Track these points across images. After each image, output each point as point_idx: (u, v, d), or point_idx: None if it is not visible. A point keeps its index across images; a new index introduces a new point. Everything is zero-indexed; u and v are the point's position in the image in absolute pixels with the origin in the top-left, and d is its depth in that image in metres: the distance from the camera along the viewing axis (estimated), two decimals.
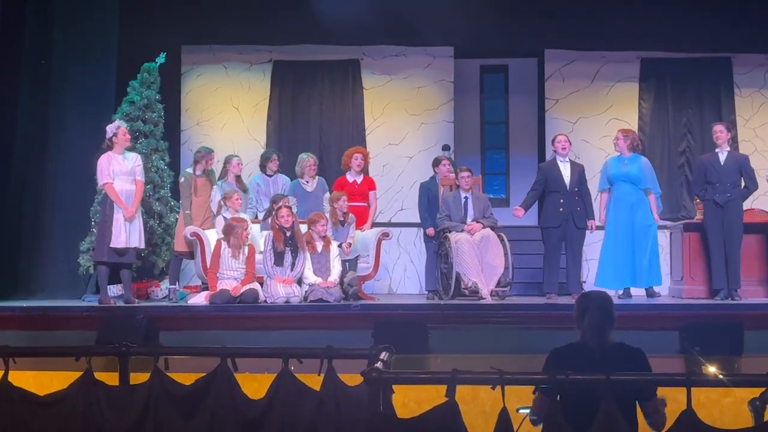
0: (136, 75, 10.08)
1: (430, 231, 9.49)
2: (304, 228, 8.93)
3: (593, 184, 9.33)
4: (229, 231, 8.42)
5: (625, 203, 8.93)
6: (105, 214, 8.48)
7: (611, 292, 9.12)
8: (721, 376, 3.81)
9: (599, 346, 4.13)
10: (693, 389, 3.72)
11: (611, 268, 8.93)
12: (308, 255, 8.63)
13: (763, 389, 4.20)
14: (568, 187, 9.00)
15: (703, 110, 11.63)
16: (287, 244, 8.52)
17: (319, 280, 8.51)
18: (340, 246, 8.95)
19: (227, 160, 9.62)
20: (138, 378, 4.62)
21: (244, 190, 9.51)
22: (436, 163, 9.82)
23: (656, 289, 9.00)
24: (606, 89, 11.76)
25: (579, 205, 9.02)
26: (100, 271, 8.59)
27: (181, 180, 9.22)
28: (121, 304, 8.50)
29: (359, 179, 9.79)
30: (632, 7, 10.71)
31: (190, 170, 9.27)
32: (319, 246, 8.69)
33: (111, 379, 4.61)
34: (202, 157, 9.20)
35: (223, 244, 8.42)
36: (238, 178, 9.58)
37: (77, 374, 4.53)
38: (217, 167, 9.79)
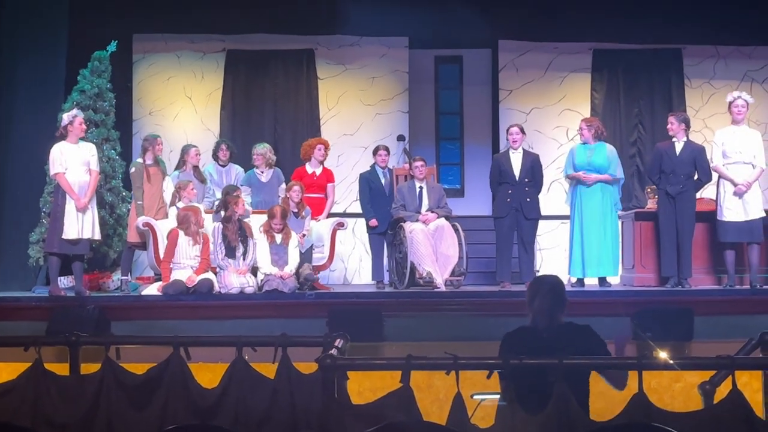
0: (86, 63, 9.93)
1: (373, 222, 9.49)
2: (259, 218, 8.88)
3: (549, 173, 9.38)
4: (184, 219, 8.33)
5: (591, 192, 8.98)
6: (57, 204, 8.35)
7: (571, 279, 9.24)
8: (671, 360, 3.86)
9: (548, 327, 4.17)
10: (645, 374, 3.77)
11: (579, 256, 8.98)
12: (264, 242, 8.56)
13: (713, 373, 4.27)
14: (517, 177, 9.06)
15: (654, 101, 11.77)
16: (238, 235, 8.47)
17: (275, 270, 8.45)
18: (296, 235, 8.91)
19: (185, 150, 9.51)
20: (89, 368, 4.56)
21: (202, 181, 9.43)
22: (375, 151, 9.83)
23: (608, 278, 9.10)
24: (559, 80, 11.85)
25: (530, 195, 9.09)
26: (51, 262, 8.45)
27: (132, 170, 9.11)
28: (71, 295, 8.38)
29: (318, 171, 9.73)
30: None
31: (140, 160, 9.16)
32: (278, 237, 8.63)
33: (61, 369, 4.55)
34: (149, 145, 9.09)
35: (180, 234, 8.30)
36: (195, 168, 9.50)
37: (27, 365, 4.46)
38: (172, 157, 9.70)
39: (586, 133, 9.11)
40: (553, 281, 4.37)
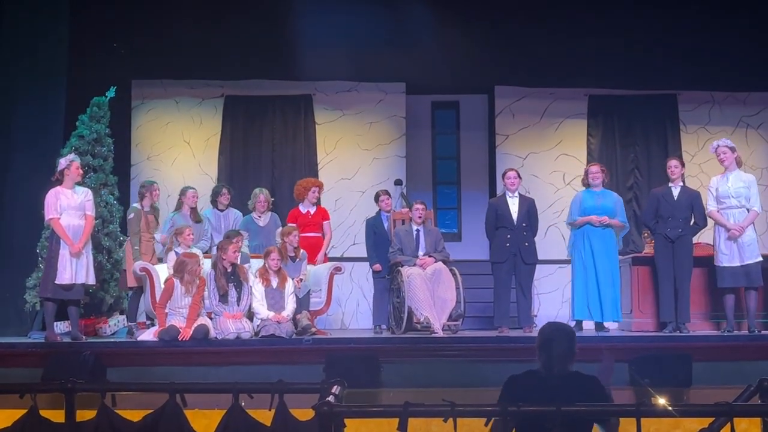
0: (85, 109, 9.99)
1: (377, 267, 9.54)
2: (257, 262, 8.87)
3: (546, 218, 9.42)
4: (181, 267, 8.22)
5: (600, 236, 8.97)
6: (51, 249, 8.34)
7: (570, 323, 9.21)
8: (670, 407, 3.83)
9: (558, 375, 4.15)
10: (643, 421, 3.75)
11: (584, 300, 8.95)
12: (259, 287, 8.54)
13: (712, 420, 4.24)
14: (515, 222, 9.07)
15: (650, 146, 11.84)
16: (230, 280, 8.43)
17: (270, 314, 8.43)
18: (292, 280, 8.89)
19: (182, 192, 9.56)
20: (85, 415, 4.52)
21: (198, 221, 9.43)
22: (376, 198, 9.88)
23: (606, 323, 9.07)
24: (555, 125, 11.93)
25: (527, 240, 9.09)
26: (46, 307, 8.42)
27: (131, 216, 9.12)
28: (67, 340, 8.34)
29: (312, 210, 9.81)
30: (580, 45, 10.92)
31: (137, 205, 9.18)
32: (274, 281, 8.61)
33: (57, 416, 4.51)
34: (146, 191, 9.15)
35: (176, 281, 8.22)
36: (193, 210, 9.52)
37: (22, 412, 4.43)
38: (170, 201, 9.74)
39: (600, 177, 9.10)
40: (568, 328, 4.37)
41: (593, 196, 9.09)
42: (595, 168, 9.23)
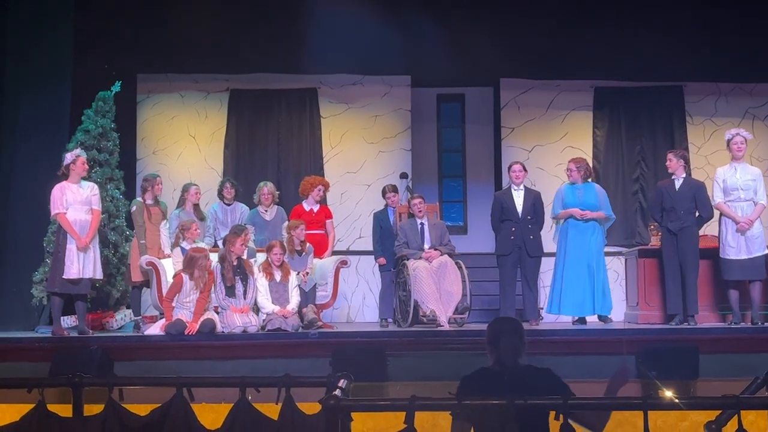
0: (90, 103, 10.01)
1: (381, 261, 9.54)
2: (262, 256, 8.88)
3: (550, 211, 9.40)
4: (191, 263, 8.17)
5: (579, 231, 8.97)
6: (58, 244, 8.36)
7: (567, 319, 9.24)
8: (677, 400, 3.83)
9: (512, 369, 4.14)
10: (650, 413, 3.75)
11: (564, 294, 8.94)
12: (263, 281, 8.54)
13: (719, 412, 4.23)
14: (520, 215, 9.07)
15: (656, 138, 11.80)
16: (236, 273, 8.43)
17: (276, 308, 8.44)
18: (298, 274, 8.90)
19: (185, 189, 9.58)
20: (92, 409, 4.53)
21: (201, 219, 9.46)
22: (383, 193, 9.90)
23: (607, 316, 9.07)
24: (560, 117, 11.90)
25: (533, 233, 9.08)
26: (53, 301, 8.44)
27: (133, 208, 9.14)
28: (74, 335, 8.36)
29: (316, 208, 9.80)
30: (586, 37, 10.90)
31: (140, 199, 9.21)
32: (278, 275, 8.62)
33: (65, 410, 4.53)
34: (149, 185, 9.17)
35: (185, 277, 8.18)
36: (195, 206, 9.54)
37: (30, 406, 4.44)
38: (176, 195, 9.76)
39: (575, 174, 9.14)
40: (515, 322, 4.39)
41: (574, 190, 9.10)
42: (570, 165, 9.23)
